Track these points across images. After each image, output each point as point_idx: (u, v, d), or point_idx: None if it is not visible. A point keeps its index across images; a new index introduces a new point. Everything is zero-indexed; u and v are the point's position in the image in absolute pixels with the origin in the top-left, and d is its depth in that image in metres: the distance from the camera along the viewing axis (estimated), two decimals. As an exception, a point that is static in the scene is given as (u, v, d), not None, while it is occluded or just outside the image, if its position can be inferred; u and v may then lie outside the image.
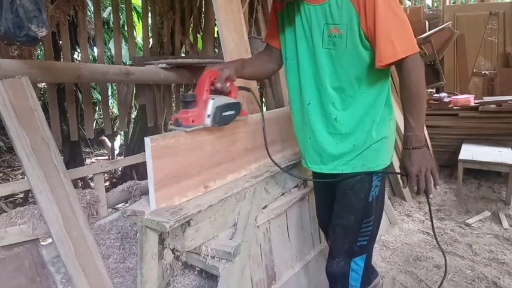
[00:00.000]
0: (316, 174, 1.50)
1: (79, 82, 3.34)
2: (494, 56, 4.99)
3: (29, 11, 1.39)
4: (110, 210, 2.21)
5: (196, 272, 1.49)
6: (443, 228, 2.79)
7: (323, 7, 1.24)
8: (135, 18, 6.78)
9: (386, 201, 2.81)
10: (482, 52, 5.00)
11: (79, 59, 3.83)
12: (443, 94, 4.31)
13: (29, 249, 1.59)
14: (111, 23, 5.52)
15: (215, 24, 4.12)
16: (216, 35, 4.32)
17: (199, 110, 1.23)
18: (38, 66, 2.07)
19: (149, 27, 4.02)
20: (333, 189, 1.45)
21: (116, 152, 5.96)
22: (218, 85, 1.26)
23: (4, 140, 5.68)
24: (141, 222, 1.20)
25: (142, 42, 4.48)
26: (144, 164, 1.29)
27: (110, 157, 5.74)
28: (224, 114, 1.29)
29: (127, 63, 4.67)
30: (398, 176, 1.34)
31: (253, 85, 2.29)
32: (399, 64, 1.19)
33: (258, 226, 1.56)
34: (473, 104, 4.05)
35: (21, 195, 3.87)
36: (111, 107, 6.38)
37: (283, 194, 1.79)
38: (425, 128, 3.83)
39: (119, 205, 2.79)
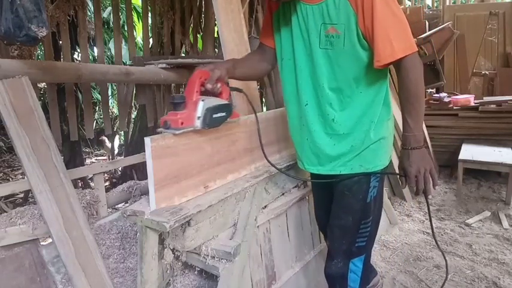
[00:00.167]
0: (313, 175, 1.50)
1: (79, 82, 3.34)
2: (494, 56, 4.99)
3: (29, 11, 1.39)
4: (110, 210, 2.21)
5: (196, 272, 1.49)
6: (443, 228, 2.79)
7: (320, 7, 1.22)
8: (135, 18, 6.78)
9: (386, 201, 2.81)
10: (482, 52, 5.00)
11: (79, 59, 3.83)
12: (443, 94, 4.31)
13: (29, 249, 1.59)
14: (111, 23, 5.52)
15: (215, 24, 4.12)
16: (216, 35, 4.32)
17: (188, 112, 1.20)
18: (38, 66, 2.07)
19: (149, 27, 4.02)
20: (330, 190, 1.44)
21: (115, 152, 5.96)
22: (208, 86, 1.24)
23: (4, 140, 5.68)
24: (141, 222, 1.20)
25: (142, 42, 4.48)
26: (144, 164, 1.29)
27: (110, 157, 5.74)
28: (215, 116, 1.25)
29: (127, 63, 4.67)
30: (398, 176, 1.33)
31: (253, 85, 2.29)
32: (398, 64, 1.18)
33: (258, 226, 1.56)
34: (473, 104, 4.05)
35: (21, 195, 3.87)
36: (111, 107, 6.39)
37: (283, 194, 1.79)
38: (425, 128, 3.84)
39: (119, 205, 2.79)
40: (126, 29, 4.08)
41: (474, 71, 5.03)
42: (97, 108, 6.63)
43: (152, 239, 1.26)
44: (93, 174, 2.12)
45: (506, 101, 3.90)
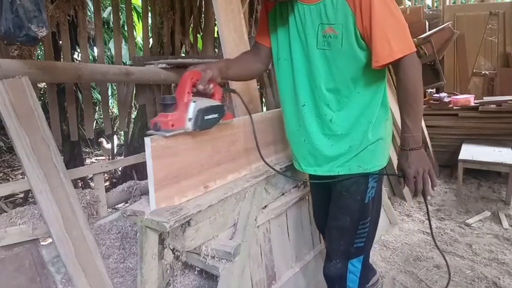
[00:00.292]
0: (311, 176, 1.50)
1: (79, 82, 3.34)
2: (494, 56, 4.99)
3: (29, 11, 1.39)
4: (110, 210, 2.21)
5: (196, 272, 1.49)
6: (443, 228, 2.79)
7: (317, 7, 1.22)
8: (135, 18, 6.78)
9: (386, 201, 2.81)
10: (482, 52, 5.00)
11: (79, 59, 3.83)
12: (443, 94, 4.31)
13: (29, 249, 1.59)
14: (111, 23, 5.52)
15: (215, 24, 4.12)
16: (216, 35, 4.32)
17: (179, 114, 1.17)
18: (38, 66, 2.07)
19: (149, 27, 4.03)
20: (329, 191, 1.44)
21: (115, 152, 5.95)
22: (200, 87, 1.21)
23: (4, 140, 5.68)
24: (141, 222, 1.20)
25: (142, 42, 4.48)
26: (144, 164, 1.29)
27: (110, 157, 5.74)
28: (206, 117, 1.22)
29: (127, 63, 4.67)
30: (397, 176, 1.33)
31: (253, 85, 2.29)
32: (396, 64, 1.18)
33: (258, 226, 1.56)
34: (473, 104, 4.05)
35: (21, 195, 3.87)
36: (111, 107, 6.39)
37: (283, 194, 1.79)
38: (425, 128, 3.84)
39: (119, 205, 2.79)
40: (126, 29, 4.08)
41: (474, 71, 5.03)
42: (97, 108, 6.63)
43: (152, 239, 1.26)
44: (93, 174, 2.13)
45: (506, 101, 3.90)
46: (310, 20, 1.25)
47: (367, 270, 1.55)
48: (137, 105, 4.93)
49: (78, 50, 3.57)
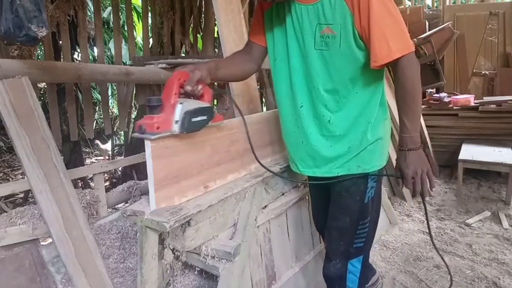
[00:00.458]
0: (310, 177, 1.49)
1: (79, 82, 3.35)
2: (494, 56, 5.00)
3: (29, 11, 1.39)
4: (110, 210, 2.21)
5: (196, 272, 1.49)
6: (443, 228, 2.79)
7: (315, 7, 1.21)
8: (135, 18, 6.78)
9: (386, 201, 2.81)
10: (482, 52, 5.00)
11: (79, 59, 3.83)
12: (443, 94, 4.30)
13: (29, 249, 1.59)
14: (111, 23, 5.52)
15: (215, 24, 4.12)
16: (216, 35, 4.32)
17: (166, 116, 1.12)
18: (38, 66, 2.07)
19: (149, 27, 4.03)
20: (327, 192, 1.43)
21: (114, 152, 5.96)
22: (188, 88, 1.16)
23: (4, 140, 5.68)
24: (141, 222, 1.20)
25: (142, 42, 4.48)
26: (144, 164, 1.28)
27: (110, 157, 5.74)
28: (194, 120, 1.17)
29: (127, 63, 4.67)
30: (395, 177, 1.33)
31: (253, 85, 2.29)
32: (394, 64, 1.17)
33: (258, 226, 1.56)
34: (473, 104, 4.05)
35: (21, 195, 3.88)
36: (111, 107, 6.39)
37: (283, 194, 1.79)
38: (425, 128, 3.84)
39: (119, 205, 2.79)
40: (126, 29, 4.08)
41: (474, 71, 5.04)
42: (97, 108, 6.63)
43: (152, 239, 1.26)
44: (93, 174, 2.13)
45: (506, 101, 3.90)
46: (307, 20, 1.24)
47: (367, 270, 1.55)
48: (137, 105, 4.93)
49: (78, 50, 3.57)
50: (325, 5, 1.19)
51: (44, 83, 4.15)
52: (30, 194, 3.69)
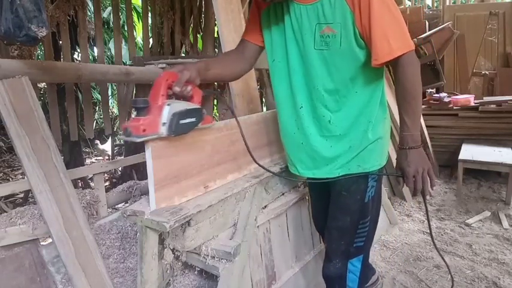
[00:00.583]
0: (310, 178, 1.49)
1: (79, 82, 3.35)
2: (494, 56, 5.00)
3: (29, 11, 1.39)
4: (110, 210, 2.21)
5: (196, 272, 1.49)
6: (443, 228, 2.79)
7: (315, 6, 1.21)
8: (135, 18, 6.78)
9: (386, 201, 2.81)
10: (482, 52, 5.00)
11: (79, 59, 3.83)
12: (443, 94, 4.30)
13: (29, 249, 1.59)
14: (111, 23, 5.53)
15: (215, 24, 4.12)
16: (216, 35, 4.32)
17: (152, 118, 1.08)
18: (38, 66, 2.07)
19: (149, 27, 4.03)
20: (328, 192, 1.43)
21: (114, 152, 5.96)
22: (176, 89, 1.12)
23: (4, 140, 5.68)
24: (141, 222, 1.20)
25: (142, 42, 4.48)
26: (144, 164, 1.28)
27: (110, 158, 5.74)
28: (182, 121, 1.13)
29: (127, 63, 4.67)
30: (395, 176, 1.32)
31: (253, 85, 2.29)
32: (395, 62, 1.17)
33: (258, 226, 1.56)
34: (473, 104, 4.05)
35: (21, 195, 3.87)
36: (111, 107, 6.38)
37: (283, 194, 1.79)
38: (425, 128, 3.84)
39: (119, 205, 2.79)
40: (126, 29, 4.08)
41: (474, 71, 5.04)
42: (97, 108, 6.63)
43: (152, 239, 1.26)
44: (93, 174, 2.13)
45: (506, 101, 3.90)
46: (307, 20, 1.23)
47: (367, 270, 1.55)
48: (137, 105, 4.91)
49: (78, 50, 3.57)
50: (324, 5, 1.19)
51: (44, 83, 4.15)
52: (30, 194, 3.69)
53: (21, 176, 4.86)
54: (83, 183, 4.11)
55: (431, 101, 4.26)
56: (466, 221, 2.88)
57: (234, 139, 1.51)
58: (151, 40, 4.16)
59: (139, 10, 6.25)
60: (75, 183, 3.62)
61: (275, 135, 1.77)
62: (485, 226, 2.82)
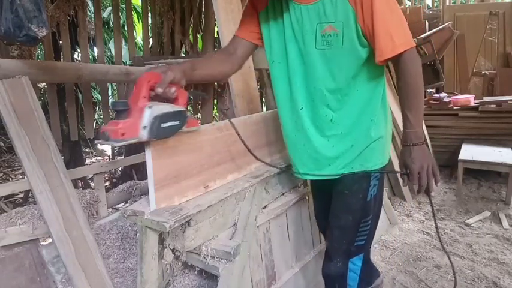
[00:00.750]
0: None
1: (79, 82, 3.35)
2: (494, 56, 4.99)
3: (29, 11, 1.39)
4: (110, 210, 2.21)
5: (196, 272, 1.49)
6: (443, 228, 2.79)
7: (316, 6, 1.21)
8: (135, 18, 6.78)
9: (386, 201, 2.81)
10: (482, 52, 5.00)
11: (79, 59, 3.83)
12: (443, 94, 4.31)
13: (29, 249, 1.59)
14: (111, 23, 5.53)
15: (215, 24, 4.12)
16: (216, 35, 4.32)
17: (133, 121, 1.02)
18: (38, 66, 2.07)
19: (149, 27, 4.03)
20: (329, 191, 1.43)
21: (108, 153, 5.96)
22: (159, 90, 1.06)
23: (4, 140, 5.68)
24: (141, 222, 1.20)
25: (142, 42, 4.49)
26: (144, 164, 1.28)
27: (110, 158, 5.74)
28: (164, 125, 1.08)
29: (127, 63, 4.68)
30: (398, 174, 1.32)
31: (253, 85, 2.29)
32: (397, 59, 1.18)
33: (258, 226, 1.56)
34: (473, 104, 4.05)
35: (21, 195, 3.87)
36: (111, 107, 6.37)
37: (283, 194, 1.79)
38: (425, 128, 3.84)
39: (119, 205, 2.79)
40: (126, 29, 4.08)
41: (474, 71, 5.03)
42: (97, 108, 6.63)
43: (152, 239, 1.26)
44: (93, 174, 2.13)
45: (506, 101, 3.90)
46: (308, 20, 1.23)
47: (371, 272, 1.54)
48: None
49: (78, 50, 3.57)
50: (326, 4, 1.19)
51: (44, 83, 4.15)
52: (30, 194, 3.69)
53: (21, 176, 4.86)
54: (83, 183, 4.11)
55: (431, 101, 4.26)
56: (466, 221, 2.88)
57: (234, 139, 1.51)
58: (151, 40, 4.16)
59: (140, 10, 6.25)
60: (75, 183, 3.62)
61: (275, 135, 1.78)
62: (485, 226, 2.82)
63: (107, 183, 4.47)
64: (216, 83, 4.33)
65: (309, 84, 1.30)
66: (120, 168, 4.60)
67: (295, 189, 1.86)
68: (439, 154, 4.05)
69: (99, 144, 5.83)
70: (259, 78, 3.81)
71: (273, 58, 1.36)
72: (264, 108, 4.16)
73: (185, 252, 1.37)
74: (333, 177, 1.36)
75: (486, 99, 4.22)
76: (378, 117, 1.32)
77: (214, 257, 1.32)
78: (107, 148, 5.96)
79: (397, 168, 3.01)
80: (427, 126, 3.94)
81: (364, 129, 1.30)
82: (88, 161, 5.87)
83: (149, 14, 4.02)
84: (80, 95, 4.51)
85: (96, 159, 6.13)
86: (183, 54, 4.39)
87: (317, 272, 1.84)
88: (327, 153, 1.34)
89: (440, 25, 5.00)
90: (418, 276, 2.18)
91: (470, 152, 3.53)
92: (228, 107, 3.72)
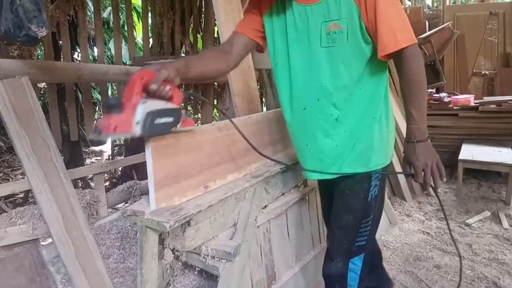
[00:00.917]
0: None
1: (79, 82, 3.35)
2: (494, 56, 5.00)
3: (29, 11, 1.39)
4: (110, 210, 2.21)
5: (196, 272, 1.49)
6: (444, 228, 2.79)
7: (319, 6, 1.23)
8: (135, 18, 6.79)
9: (386, 201, 2.81)
10: (482, 52, 5.00)
11: (79, 59, 3.83)
12: (443, 94, 4.31)
13: (29, 249, 1.59)
14: (111, 23, 5.53)
15: (215, 24, 4.12)
16: (216, 35, 4.32)
17: (126, 116, 1.01)
18: (38, 66, 2.07)
19: (149, 27, 4.03)
20: (332, 190, 1.43)
21: (107, 153, 5.97)
22: (153, 87, 1.04)
23: (4, 140, 5.68)
24: (141, 222, 1.20)
25: (142, 42, 4.49)
26: (144, 164, 1.28)
27: (110, 158, 5.74)
28: (157, 121, 1.07)
29: (127, 63, 4.68)
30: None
31: (253, 85, 2.29)
32: (399, 55, 1.19)
33: (258, 226, 1.56)
34: (473, 104, 4.05)
35: (21, 195, 3.87)
36: (111, 107, 6.37)
37: (283, 194, 1.79)
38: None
39: (119, 205, 2.79)
40: (126, 29, 4.08)
41: (474, 71, 5.04)
42: (97, 108, 6.63)
43: (152, 239, 1.26)
44: (93, 174, 2.13)
45: (506, 101, 3.90)
46: (312, 19, 1.25)
47: (380, 277, 1.54)
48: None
49: (78, 50, 3.57)
50: (330, 3, 1.21)
51: (44, 83, 4.15)
52: (30, 194, 3.69)
53: (21, 176, 4.86)
54: (83, 183, 4.11)
55: (431, 101, 4.26)
56: (466, 221, 2.88)
57: (234, 139, 1.51)
58: (151, 40, 4.16)
59: (140, 10, 6.25)
60: (75, 183, 3.62)
61: (278, 135, 1.78)
62: (485, 226, 2.82)
63: (107, 183, 4.47)
64: (216, 83, 4.33)
65: (312, 84, 1.30)
66: (120, 168, 4.60)
67: (295, 189, 1.87)
68: (439, 154, 3.96)
69: (92, 142, 5.83)
70: (259, 78, 3.81)
71: (277, 60, 1.37)
72: (264, 108, 4.16)
73: (185, 252, 1.37)
74: (338, 176, 1.35)
75: (486, 99, 4.22)
76: (381, 117, 1.32)
77: (214, 257, 1.32)
78: (106, 148, 5.96)
79: (398, 167, 3.02)
80: (427, 126, 3.94)
81: (367, 127, 1.31)
82: (88, 161, 5.87)
83: (149, 14, 4.02)
84: (80, 95, 4.51)
85: (96, 159, 6.14)
86: (183, 54, 4.39)
87: (317, 272, 1.84)
88: (330, 152, 1.34)
89: (440, 25, 5.00)
90: (418, 276, 2.18)
91: (470, 152, 3.53)
92: (228, 107, 3.72)
